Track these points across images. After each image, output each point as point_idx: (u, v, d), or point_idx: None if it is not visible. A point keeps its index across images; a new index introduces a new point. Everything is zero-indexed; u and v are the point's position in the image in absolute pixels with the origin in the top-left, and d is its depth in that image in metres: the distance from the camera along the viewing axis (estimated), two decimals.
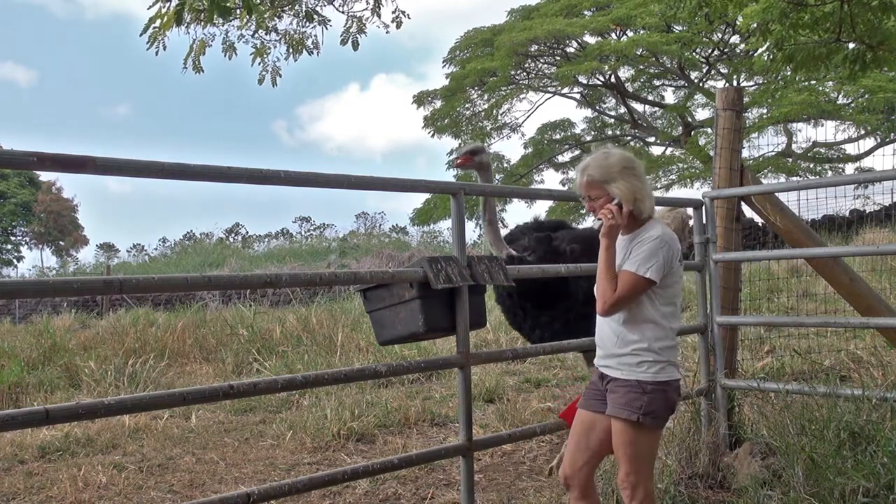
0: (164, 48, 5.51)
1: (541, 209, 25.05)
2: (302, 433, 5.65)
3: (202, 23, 5.54)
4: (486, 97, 23.21)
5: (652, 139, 23.86)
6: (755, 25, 6.21)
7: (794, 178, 19.56)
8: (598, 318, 2.91)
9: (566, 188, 23.13)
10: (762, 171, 18.61)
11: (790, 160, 20.86)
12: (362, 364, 7.91)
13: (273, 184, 2.93)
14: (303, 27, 5.97)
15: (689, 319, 5.45)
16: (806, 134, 21.86)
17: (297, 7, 5.83)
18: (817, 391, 3.93)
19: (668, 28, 20.70)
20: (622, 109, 24.33)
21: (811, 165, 21.67)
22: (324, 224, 48.64)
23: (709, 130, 20.61)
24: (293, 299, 15.03)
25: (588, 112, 24.79)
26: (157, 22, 5.31)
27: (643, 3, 19.73)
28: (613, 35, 22.01)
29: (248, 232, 50.22)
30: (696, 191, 22.81)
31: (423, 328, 3.25)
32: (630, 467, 2.69)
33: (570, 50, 22.69)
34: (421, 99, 23.86)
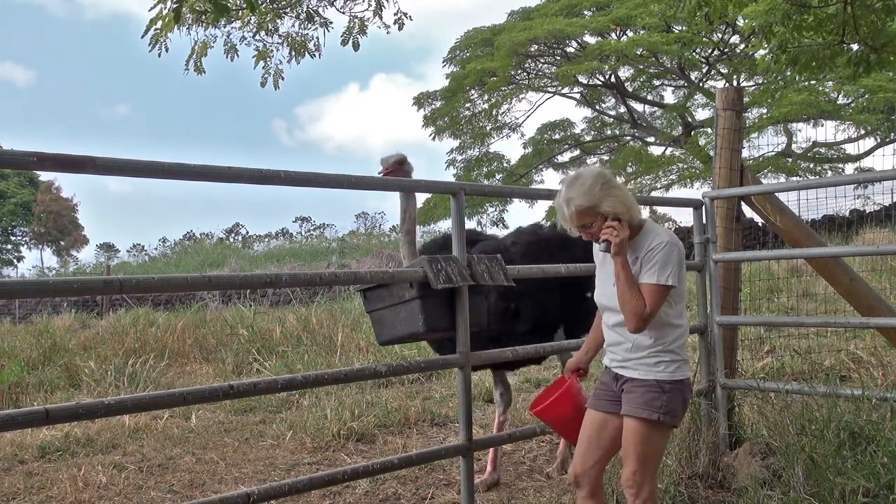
0: (167, 50, 5.51)
1: (541, 209, 25.02)
2: (302, 433, 5.65)
3: (203, 24, 5.54)
4: (486, 97, 23.21)
5: (652, 139, 23.85)
6: (757, 27, 6.19)
7: (794, 178, 19.56)
8: (603, 327, 2.91)
9: None
10: (762, 171, 18.60)
11: (790, 160, 20.86)
12: (362, 364, 7.91)
13: (273, 184, 2.93)
14: (304, 29, 5.97)
15: (689, 319, 5.43)
16: (806, 134, 21.90)
17: (298, 8, 5.83)
18: (817, 391, 3.93)
19: (668, 28, 20.70)
20: (622, 109, 24.34)
21: (811, 165, 21.66)
22: (324, 224, 48.65)
23: (709, 130, 20.61)
24: (293, 299, 15.04)
25: (588, 112, 24.81)
26: (159, 23, 5.31)
27: (643, 3, 19.73)
28: (613, 35, 22.02)
29: (248, 232, 50.24)
30: (696, 191, 22.84)
31: (423, 328, 3.25)
32: (637, 466, 2.70)
33: (570, 50, 22.70)
34: (421, 100, 23.87)
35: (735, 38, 20.95)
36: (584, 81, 22.94)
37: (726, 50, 21.75)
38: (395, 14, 5.96)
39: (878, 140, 21.23)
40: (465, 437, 3.35)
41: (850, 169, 22.47)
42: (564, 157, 24.71)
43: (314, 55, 6.07)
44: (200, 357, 9.51)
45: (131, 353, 8.62)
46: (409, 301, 3.27)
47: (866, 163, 21.78)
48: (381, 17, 5.86)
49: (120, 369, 7.76)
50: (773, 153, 20.38)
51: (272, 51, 6.00)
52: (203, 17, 5.29)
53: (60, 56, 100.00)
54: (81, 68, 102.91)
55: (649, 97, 24.45)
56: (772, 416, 3.96)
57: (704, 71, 22.36)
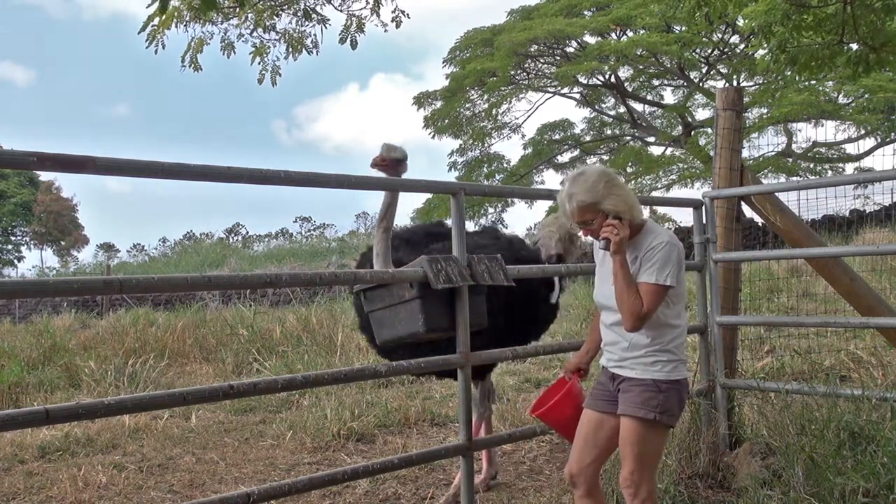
0: (163, 47, 5.52)
1: (540, 210, 25.02)
2: (302, 433, 5.65)
3: (201, 21, 5.54)
4: (485, 97, 23.21)
5: (652, 139, 23.85)
6: (757, 27, 6.19)
7: (794, 178, 19.56)
8: (601, 327, 2.91)
9: None
10: (762, 171, 18.60)
11: (790, 160, 20.85)
12: (362, 364, 7.91)
13: (273, 184, 2.93)
14: (302, 26, 5.96)
15: (689, 319, 5.43)
16: (806, 134, 21.90)
17: (295, 5, 5.82)
18: (817, 391, 3.93)
19: (668, 28, 20.70)
20: (622, 109, 24.33)
21: (811, 165, 21.66)
22: (324, 224, 48.69)
23: (709, 130, 20.61)
24: (293, 299, 15.03)
25: (587, 112, 24.80)
26: (156, 20, 5.31)
27: (643, 3, 19.73)
28: (613, 35, 22.01)
29: (248, 232, 50.27)
30: (696, 191, 22.84)
31: (423, 328, 3.25)
32: (635, 466, 2.70)
33: (570, 50, 22.69)
34: (421, 100, 23.86)
35: (735, 38, 20.94)
36: (584, 81, 22.94)
37: (726, 50, 21.74)
38: (393, 12, 5.96)
39: (878, 140, 21.24)
40: (465, 437, 3.35)
41: (850, 169, 22.48)
42: (564, 158, 24.71)
43: (311, 52, 6.07)
44: (200, 357, 9.51)
45: (131, 353, 8.62)
46: (409, 301, 3.27)
47: (866, 163, 21.81)
48: (378, 16, 5.86)
49: (120, 369, 7.76)
50: (773, 153, 20.38)
51: (269, 47, 5.99)
52: (194, 12, 5.29)
53: (59, 56, 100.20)
54: (80, 68, 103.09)
55: (649, 97, 24.44)
56: (772, 416, 3.96)
57: (704, 71, 22.36)
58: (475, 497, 3.44)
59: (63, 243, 47.55)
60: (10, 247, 46.90)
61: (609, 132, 24.98)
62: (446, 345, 3.46)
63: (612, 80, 23.03)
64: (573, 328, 9.76)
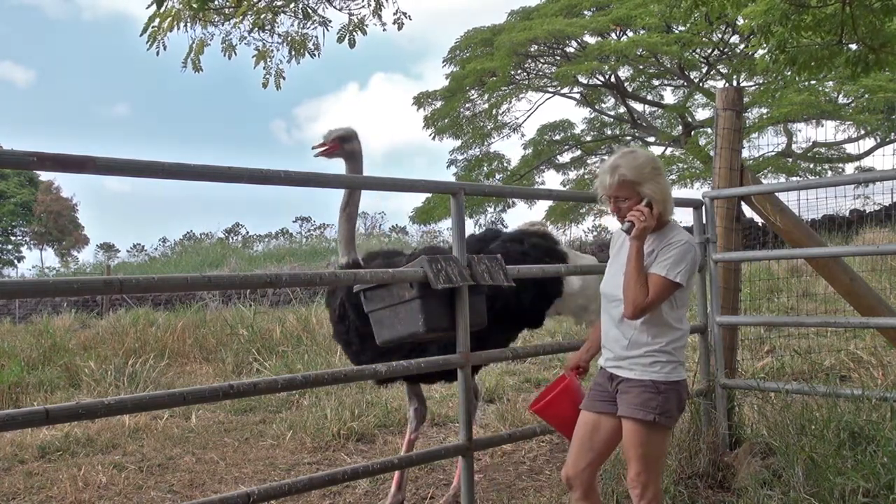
0: (165, 48, 5.51)
1: (540, 210, 25.00)
2: (302, 433, 5.65)
3: (201, 21, 5.53)
4: (486, 97, 23.20)
5: (652, 139, 23.84)
6: (756, 27, 6.19)
7: (794, 178, 19.55)
8: (605, 321, 2.91)
9: (566, 188, 23.16)
10: (762, 171, 18.59)
11: (790, 160, 20.84)
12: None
13: (273, 184, 2.93)
14: (304, 28, 5.95)
15: (689, 319, 5.45)
16: (806, 134, 21.87)
17: (294, 6, 5.81)
18: (817, 391, 3.93)
19: (668, 28, 20.69)
20: (622, 109, 24.33)
21: (811, 165, 21.65)
22: (324, 224, 48.58)
23: (709, 130, 20.60)
24: (293, 299, 15.01)
25: (587, 112, 24.79)
26: (157, 21, 5.31)
27: (643, 3, 19.72)
28: (613, 35, 22.01)
29: (248, 232, 50.22)
30: (696, 191, 22.80)
31: (423, 328, 3.24)
32: (641, 467, 2.70)
33: (570, 50, 22.68)
34: (421, 100, 23.85)
35: (735, 38, 20.93)
36: (584, 81, 22.92)
37: (726, 50, 21.74)
38: (395, 13, 5.94)
39: (878, 140, 21.23)
40: (465, 437, 3.35)
41: (850, 169, 22.48)
42: (565, 158, 24.71)
43: (314, 55, 6.06)
44: (200, 357, 9.51)
45: (131, 353, 8.62)
46: (409, 301, 3.27)
47: (866, 163, 21.81)
48: (380, 17, 5.85)
49: (120, 369, 7.76)
50: (773, 153, 20.38)
51: (272, 51, 5.99)
52: (194, 11, 5.28)
53: (59, 56, 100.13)
54: (80, 68, 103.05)
55: (649, 97, 24.43)
56: (772, 416, 3.96)
57: (704, 71, 22.35)
58: (475, 497, 3.44)
59: (63, 243, 47.54)
60: (10, 247, 46.88)
61: (609, 132, 24.96)
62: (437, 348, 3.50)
63: (612, 80, 23.03)
64: (573, 328, 9.76)
